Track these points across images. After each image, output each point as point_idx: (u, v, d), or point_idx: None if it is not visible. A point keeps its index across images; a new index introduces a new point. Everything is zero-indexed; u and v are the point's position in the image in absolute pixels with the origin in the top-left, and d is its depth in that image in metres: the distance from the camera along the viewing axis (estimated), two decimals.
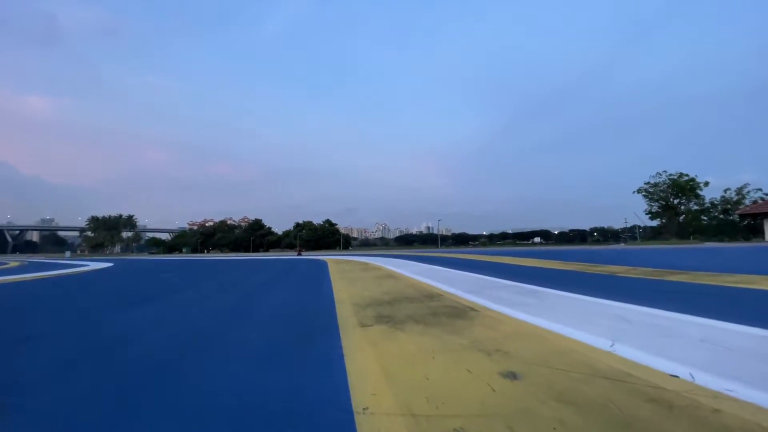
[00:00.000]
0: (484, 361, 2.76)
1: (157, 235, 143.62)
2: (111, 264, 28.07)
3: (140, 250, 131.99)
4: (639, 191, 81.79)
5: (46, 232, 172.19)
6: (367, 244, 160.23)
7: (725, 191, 73.45)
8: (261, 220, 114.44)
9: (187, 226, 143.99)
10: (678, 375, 2.36)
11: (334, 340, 3.61)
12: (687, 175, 76.15)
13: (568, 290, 6.17)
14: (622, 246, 57.30)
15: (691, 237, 71.50)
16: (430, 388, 2.29)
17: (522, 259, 18.05)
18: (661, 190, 79.44)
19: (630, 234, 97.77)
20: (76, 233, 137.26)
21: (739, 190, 71.41)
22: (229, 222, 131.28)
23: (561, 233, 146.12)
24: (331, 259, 26.43)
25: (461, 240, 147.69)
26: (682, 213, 78.48)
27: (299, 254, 54.11)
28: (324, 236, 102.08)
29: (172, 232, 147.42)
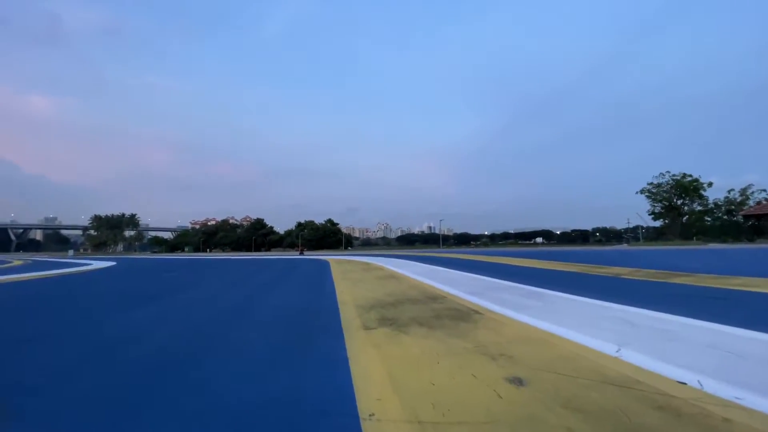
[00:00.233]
0: (489, 366, 2.75)
1: (160, 234, 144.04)
2: (114, 263, 28.17)
3: (143, 249, 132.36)
4: (642, 192, 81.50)
5: (50, 231, 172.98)
6: (369, 244, 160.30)
7: (729, 192, 73.20)
8: (263, 220, 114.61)
9: (189, 226, 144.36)
10: (686, 382, 2.34)
11: (338, 342, 3.60)
12: (690, 175, 75.83)
13: (572, 292, 6.14)
14: (624, 247, 57.16)
15: (695, 238, 71.18)
16: (435, 393, 2.27)
17: (524, 260, 18.01)
18: (665, 191, 79.12)
19: (632, 234, 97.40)
20: (79, 232, 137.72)
21: (743, 191, 71.13)
22: (231, 221, 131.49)
23: (563, 233, 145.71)
24: (333, 259, 26.44)
25: (463, 240, 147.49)
26: (685, 214, 78.18)
27: (301, 254, 54.05)
28: (326, 236, 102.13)
29: (174, 231, 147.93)
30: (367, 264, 17.47)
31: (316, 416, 2.06)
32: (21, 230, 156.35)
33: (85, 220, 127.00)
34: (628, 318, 4.15)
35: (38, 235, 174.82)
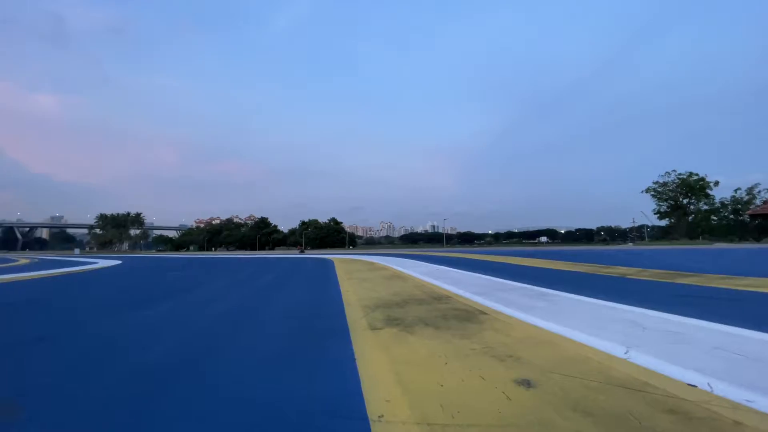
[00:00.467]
0: (497, 367, 2.75)
1: (165, 233, 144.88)
2: (119, 262, 28.38)
3: (148, 247, 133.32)
4: (647, 191, 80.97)
5: (56, 230, 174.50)
6: (372, 243, 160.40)
7: (735, 191, 72.53)
8: (267, 219, 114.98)
9: (194, 224, 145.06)
10: (696, 384, 2.33)
11: (345, 343, 3.61)
12: (696, 174, 75.25)
13: (579, 293, 6.12)
14: (630, 246, 56.82)
15: (701, 237, 70.63)
16: (444, 395, 2.28)
17: (529, 259, 17.96)
18: (670, 190, 78.58)
19: (638, 234, 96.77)
20: (85, 231, 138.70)
21: (749, 190, 70.47)
22: (235, 220, 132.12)
23: (567, 232, 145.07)
24: (338, 258, 26.49)
25: (467, 239, 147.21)
26: (691, 213, 77.59)
27: (302, 252, 53.74)
28: (329, 235, 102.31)
29: (179, 230, 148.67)
30: (372, 263, 17.49)
31: (326, 418, 2.06)
32: (27, 229, 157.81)
33: (90, 218, 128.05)
34: (635, 319, 4.13)
35: (44, 233, 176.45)
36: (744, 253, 23.24)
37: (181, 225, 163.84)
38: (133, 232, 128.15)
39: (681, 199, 78.01)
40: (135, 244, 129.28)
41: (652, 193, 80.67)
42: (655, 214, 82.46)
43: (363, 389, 2.42)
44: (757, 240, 58.85)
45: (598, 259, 17.69)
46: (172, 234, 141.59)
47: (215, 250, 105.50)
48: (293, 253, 51.60)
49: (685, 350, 3.02)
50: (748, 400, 2.08)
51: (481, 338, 3.60)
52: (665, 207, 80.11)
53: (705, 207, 76.28)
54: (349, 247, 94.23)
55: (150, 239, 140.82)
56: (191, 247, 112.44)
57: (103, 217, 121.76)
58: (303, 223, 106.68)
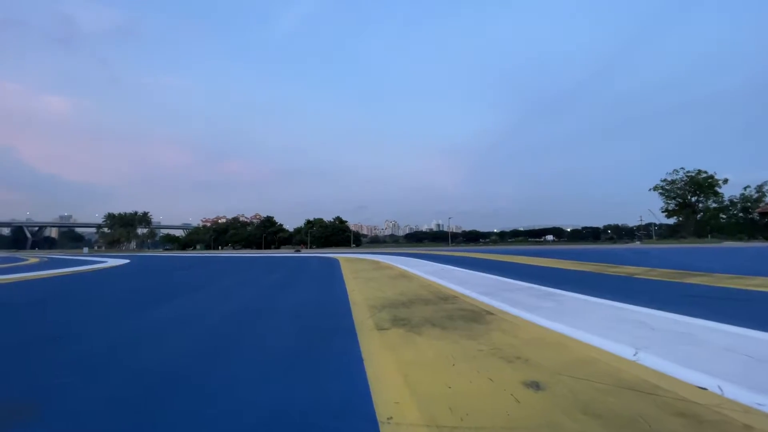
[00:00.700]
0: (505, 369, 2.75)
1: (171, 232, 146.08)
2: (127, 261, 28.67)
3: (155, 246, 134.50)
4: (655, 189, 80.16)
5: (65, 229, 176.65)
6: (377, 242, 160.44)
7: (745, 189, 71.60)
8: (272, 217, 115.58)
9: (200, 223, 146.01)
10: (706, 387, 2.31)
11: (352, 343, 3.62)
12: (705, 172, 74.35)
13: (586, 293, 6.09)
14: (637, 245, 56.34)
15: (709, 235, 69.80)
16: (452, 397, 2.28)
17: (535, 258, 17.88)
18: (678, 188, 77.74)
19: (645, 232, 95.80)
20: (93, 230, 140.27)
21: (759, 188, 69.51)
22: (241, 219, 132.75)
23: (574, 231, 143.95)
24: (343, 257, 26.55)
25: (472, 237, 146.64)
26: (699, 211, 76.70)
27: (298, 252, 52.95)
28: (334, 233, 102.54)
29: (185, 229, 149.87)
30: (377, 262, 17.51)
31: (334, 419, 2.08)
32: (36, 228, 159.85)
33: (99, 218, 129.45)
34: (644, 320, 4.11)
35: (53, 233, 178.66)
36: (754, 251, 22.94)
37: (184, 224, 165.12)
38: (141, 231, 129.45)
39: (689, 197, 77.15)
40: (142, 243, 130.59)
41: (660, 191, 79.87)
42: (662, 212, 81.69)
43: (371, 391, 2.44)
44: (767, 239, 57.99)
45: (605, 258, 17.56)
46: (178, 233, 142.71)
47: (222, 248, 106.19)
48: (288, 253, 50.78)
49: (694, 352, 3.00)
50: (759, 404, 2.07)
51: (488, 339, 3.60)
52: (673, 205, 79.29)
53: (714, 205, 75.40)
54: (354, 246, 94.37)
55: (157, 238, 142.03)
56: (198, 246, 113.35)
57: (110, 217, 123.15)
58: (308, 222, 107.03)
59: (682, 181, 76.92)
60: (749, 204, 69.54)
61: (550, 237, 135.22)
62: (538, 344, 3.39)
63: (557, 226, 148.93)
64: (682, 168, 76.77)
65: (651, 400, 2.16)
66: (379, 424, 1.97)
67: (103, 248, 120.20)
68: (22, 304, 7.41)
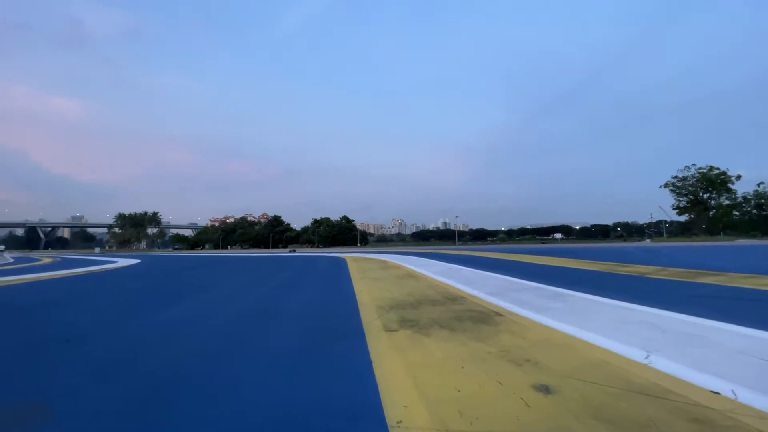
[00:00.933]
0: (514, 372, 2.74)
1: (181, 232, 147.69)
2: (138, 260, 29.05)
3: (164, 246, 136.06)
4: (666, 186, 78.93)
5: (77, 229, 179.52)
6: (384, 240, 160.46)
7: (759, 185, 70.05)
8: (280, 217, 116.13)
9: (209, 223, 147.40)
10: (719, 392, 2.28)
11: (361, 345, 3.64)
12: (718, 168, 72.95)
13: (596, 293, 6.03)
14: (647, 243, 55.59)
15: (722, 233, 68.62)
16: (462, 400, 2.28)
17: (543, 257, 17.75)
18: (690, 184, 76.42)
19: (655, 230, 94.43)
20: (105, 230, 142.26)
21: None
22: (249, 218, 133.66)
23: (582, 228, 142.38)
24: (350, 256, 26.61)
25: (479, 236, 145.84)
26: (712, 208, 75.35)
27: (293, 252, 53.59)
28: (341, 232, 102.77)
29: (194, 229, 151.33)
30: (384, 262, 17.52)
31: (344, 422, 2.09)
32: (49, 228, 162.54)
33: (110, 218, 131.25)
34: (655, 322, 4.06)
35: (66, 233, 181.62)
36: None
37: (190, 223, 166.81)
38: (151, 231, 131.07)
39: (701, 194, 75.83)
40: (152, 243, 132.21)
41: (671, 188, 78.64)
42: (673, 209, 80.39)
43: (380, 393, 2.44)
44: None
45: (615, 256, 17.37)
46: (187, 233, 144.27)
47: (230, 248, 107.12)
48: (283, 252, 51.85)
49: (707, 355, 2.96)
50: None
51: (497, 341, 3.59)
52: (684, 202, 78.03)
53: (726, 202, 74.02)
54: (361, 245, 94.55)
55: (167, 238, 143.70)
56: (207, 246, 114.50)
57: (121, 217, 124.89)
58: (315, 221, 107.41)
59: (694, 177, 75.61)
60: (763, 201, 68.16)
61: (558, 235, 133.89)
62: (548, 346, 3.37)
63: (566, 224, 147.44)
64: (693, 164, 75.53)
65: (663, 405, 2.14)
66: (389, 428, 1.98)
67: (114, 248, 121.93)
68: (37, 304, 7.55)
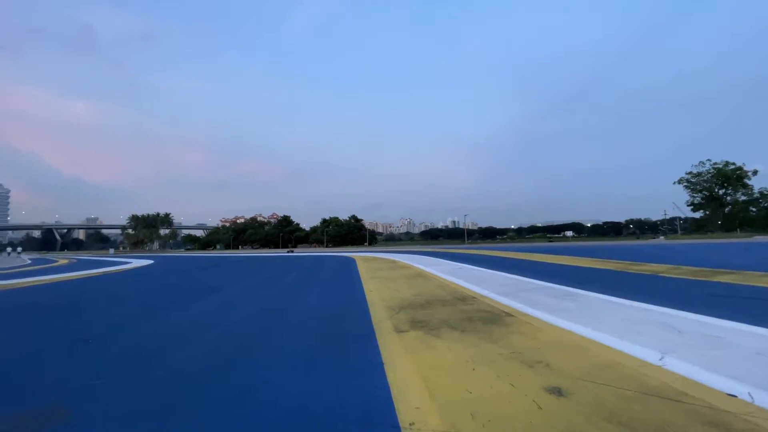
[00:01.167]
0: (526, 374, 2.73)
1: (192, 232, 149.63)
2: (151, 261, 29.51)
3: (176, 246, 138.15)
4: (680, 182, 77.52)
5: (91, 231, 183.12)
6: (392, 240, 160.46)
7: None
8: (289, 217, 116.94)
9: (220, 223, 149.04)
10: (736, 395, 2.25)
11: (372, 346, 3.66)
12: (733, 163, 71.47)
13: (609, 293, 5.97)
14: (661, 240, 54.61)
15: (738, 230, 67.07)
16: (473, 403, 2.29)
17: (554, 256, 17.57)
18: (705, 180, 74.96)
19: (669, 227, 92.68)
20: (118, 231, 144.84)
21: None
22: (259, 218, 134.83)
23: (594, 226, 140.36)
24: (359, 256, 26.67)
25: (488, 234, 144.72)
26: (727, 204, 73.78)
27: (291, 252, 55.43)
28: (350, 232, 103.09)
29: (206, 229, 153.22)
30: (394, 261, 17.54)
31: (357, 425, 2.10)
32: (65, 230, 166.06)
33: (123, 219, 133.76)
34: (670, 322, 4.00)
35: (81, 234, 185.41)
36: None
37: (198, 224, 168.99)
38: (163, 231, 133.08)
39: (716, 190, 74.31)
40: (165, 244, 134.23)
41: (686, 183, 77.24)
42: (688, 205, 79.00)
43: (393, 395, 2.46)
44: None
45: (628, 255, 17.12)
46: (199, 233, 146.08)
47: (241, 248, 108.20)
48: (281, 252, 52.50)
49: (723, 356, 2.91)
50: None
51: (508, 342, 3.58)
52: (699, 198, 76.56)
53: (743, 198, 72.41)
54: (369, 245, 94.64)
55: (179, 238, 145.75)
56: (218, 246, 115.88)
57: (134, 218, 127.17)
58: (324, 220, 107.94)
59: (709, 173, 74.15)
60: None
61: (569, 233, 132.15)
62: (560, 347, 3.36)
63: (577, 221, 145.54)
64: (708, 160, 74.10)
65: (678, 408, 2.12)
66: (402, 430, 2.00)
67: (128, 249, 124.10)
68: (56, 305, 7.73)
